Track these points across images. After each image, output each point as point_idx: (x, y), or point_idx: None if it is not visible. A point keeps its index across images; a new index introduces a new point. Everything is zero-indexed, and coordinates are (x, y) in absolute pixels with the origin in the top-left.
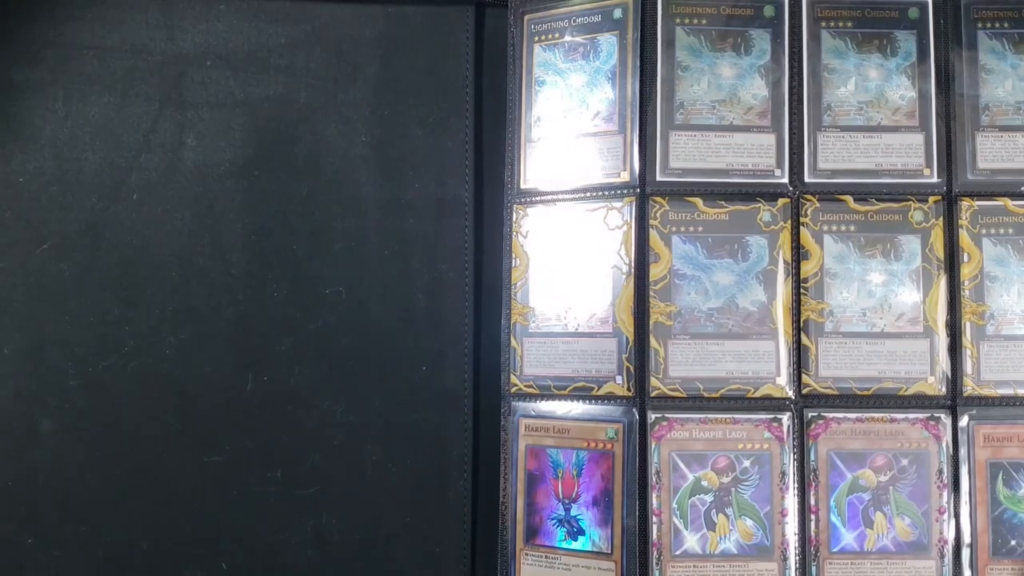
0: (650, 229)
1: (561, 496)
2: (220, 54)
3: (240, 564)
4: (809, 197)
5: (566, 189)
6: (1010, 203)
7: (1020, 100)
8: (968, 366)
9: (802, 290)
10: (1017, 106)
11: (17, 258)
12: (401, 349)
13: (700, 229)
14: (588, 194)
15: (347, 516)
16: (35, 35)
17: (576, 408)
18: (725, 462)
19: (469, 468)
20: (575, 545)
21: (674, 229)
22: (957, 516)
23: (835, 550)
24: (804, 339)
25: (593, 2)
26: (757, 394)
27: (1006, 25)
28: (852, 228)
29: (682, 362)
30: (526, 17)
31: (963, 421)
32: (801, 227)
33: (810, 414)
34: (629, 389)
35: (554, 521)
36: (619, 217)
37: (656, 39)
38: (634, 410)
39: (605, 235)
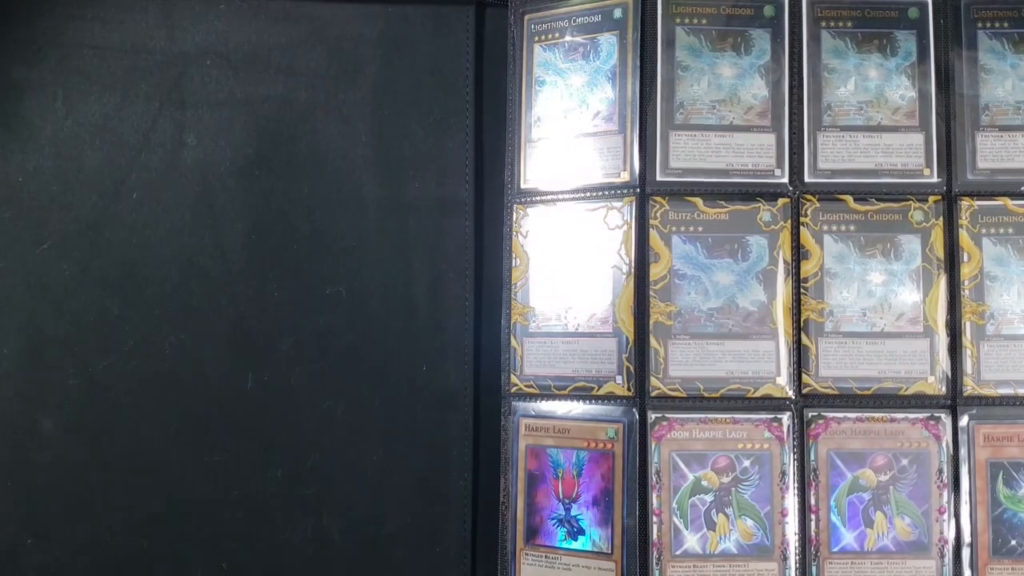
0: (650, 229)
1: (561, 496)
2: (220, 53)
3: (240, 564)
4: (809, 197)
5: (566, 189)
6: (1010, 203)
7: (1020, 100)
8: (968, 366)
9: (802, 290)
10: (1017, 106)
11: (17, 257)
12: (401, 349)
13: (700, 229)
14: (588, 194)
15: (347, 516)
16: (35, 34)
17: (576, 408)
18: (725, 462)
19: (469, 468)
20: (575, 545)
21: (674, 229)
22: (957, 516)
23: (835, 550)
24: (804, 339)
25: (593, 2)
26: (757, 394)
27: (1006, 25)
28: (852, 228)
29: (682, 362)
30: (526, 17)
31: (963, 421)
32: (801, 227)
33: (810, 414)
34: (629, 389)
35: (554, 521)
36: (619, 217)
37: (656, 39)
38: (634, 410)
39: (605, 235)
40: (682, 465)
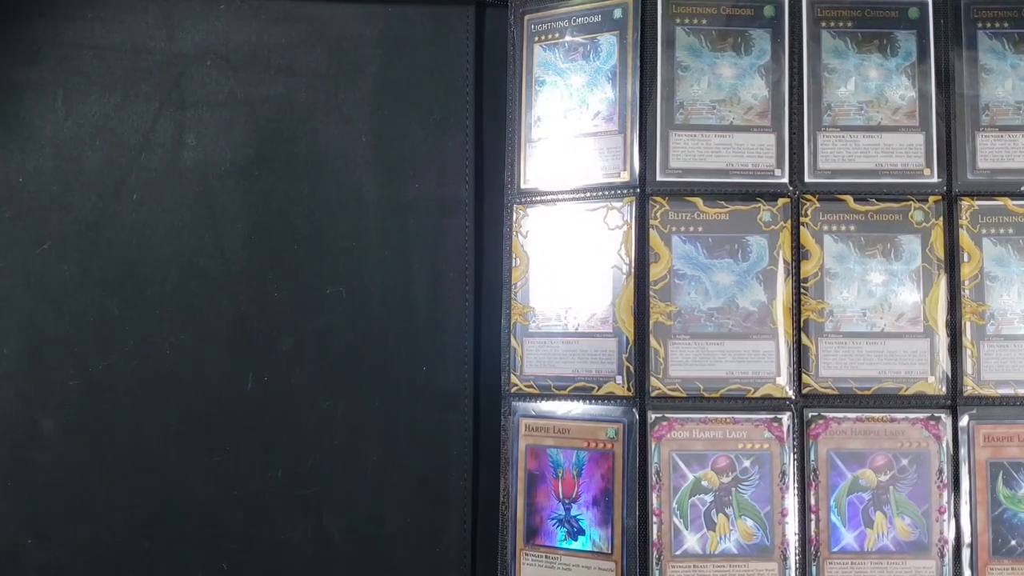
0: (650, 229)
1: (561, 496)
2: (220, 54)
3: (241, 564)
4: (809, 197)
5: (566, 189)
6: (1010, 203)
7: (1020, 100)
8: (968, 366)
9: (802, 290)
10: (1017, 106)
11: (17, 257)
12: (401, 349)
13: (700, 229)
14: (588, 194)
15: (347, 516)
16: (35, 35)
17: (576, 408)
18: (725, 462)
19: (469, 468)
20: (575, 545)
21: (674, 229)
22: (957, 516)
23: (835, 550)
24: (804, 339)
25: (593, 2)
26: (757, 394)
27: (1006, 25)
28: (852, 228)
29: (682, 362)
30: (526, 17)
31: (963, 421)
32: (801, 227)
33: (810, 414)
34: (629, 389)
35: (554, 521)
36: (619, 217)
37: (656, 39)
38: (634, 410)
39: (605, 235)
40: (682, 465)
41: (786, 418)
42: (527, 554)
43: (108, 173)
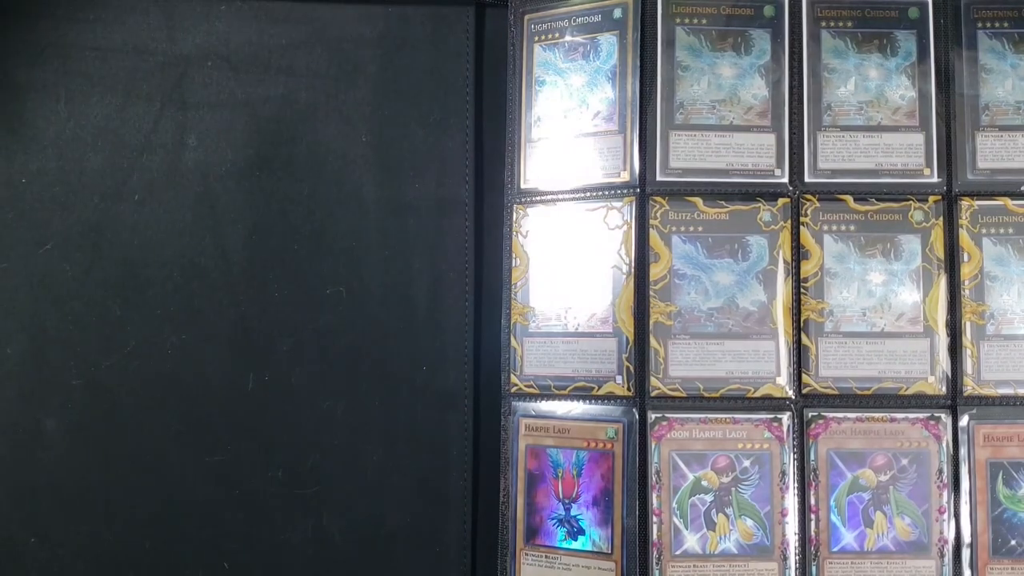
0: (650, 229)
1: (561, 496)
2: (221, 55)
3: (241, 564)
4: (809, 197)
5: (566, 189)
6: (1010, 203)
7: (1020, 100)
8: (968, 366)
9: (802, 290)
10: (1017, 106)
11: (20, 258)
12: (401, 349)
13: (700, 229)
14: (588, 194)
15: (347, 516)
16: (37, 36)
17: (576, 408)
18: (725, 462)
19: (469, 468)
20: (575, 545)
21: (674, 229)
22: (957, 516)
23: (835, 550)
24: (804, 339)
25: (593, 2)
26: (757, 394)
27: (1006, 25)
28: (852, 228)
29: (682, 362)
30: (526, 17)
31: (963, 421)
32: (801, 227)
33: (810, 414)
34: (629, 389)
35: (554, 521)
36: (619, 217)
37: (656, 39)
38: (634, 410)
39: (605, 235)
40: (682, 465)
41: (786, 418)
42: (527, 554)
43: (110, 174)
